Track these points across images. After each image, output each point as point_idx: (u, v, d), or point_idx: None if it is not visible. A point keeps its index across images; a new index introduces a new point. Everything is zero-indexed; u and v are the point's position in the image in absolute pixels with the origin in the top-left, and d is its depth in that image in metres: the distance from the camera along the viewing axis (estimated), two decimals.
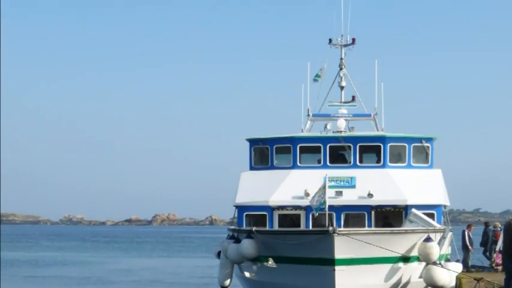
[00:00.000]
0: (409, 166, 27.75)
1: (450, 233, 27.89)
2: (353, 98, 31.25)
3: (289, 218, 27.16)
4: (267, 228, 26.40)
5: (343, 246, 21.83)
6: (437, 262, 23.53)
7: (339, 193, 26.14)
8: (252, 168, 28.79)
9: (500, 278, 24.10)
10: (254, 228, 24.39)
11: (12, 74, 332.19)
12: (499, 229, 34.07)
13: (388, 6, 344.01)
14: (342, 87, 31.28)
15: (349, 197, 26.26)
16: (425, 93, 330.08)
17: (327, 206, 23.64)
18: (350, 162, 27.55)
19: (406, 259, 23.54)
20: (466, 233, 34.50)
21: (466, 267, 31.90)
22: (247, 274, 25.54)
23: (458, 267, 25.58)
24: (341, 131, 28.26)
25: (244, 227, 26.34)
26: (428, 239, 23.28)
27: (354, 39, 31.56)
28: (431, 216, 25.63)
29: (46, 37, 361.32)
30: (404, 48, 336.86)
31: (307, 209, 25.98)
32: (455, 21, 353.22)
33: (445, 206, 27.73)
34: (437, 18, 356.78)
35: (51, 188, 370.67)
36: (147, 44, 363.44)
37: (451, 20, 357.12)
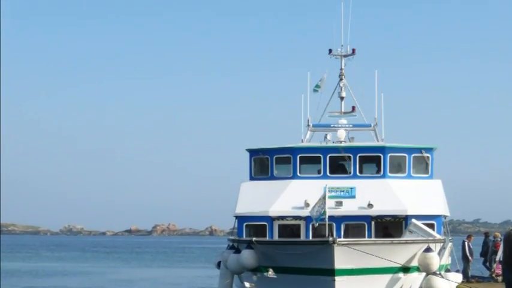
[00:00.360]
0: (409, 176, 27.75)
1: (450, 243, 27.89)
2: (353, 108, 31.28)
3: (289, 228, 27.12)
4: (267, 238, 26.38)
5: (343, 257, 21.81)
6: (438, 272, 23.50)
7: (339, 203, 26.11)
8: (252, 178, 28.79)
9: None
10: (254, 239, 24.36)
11: (13, 85, 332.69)
12: (499, 239, 34.10)
13: (388, 17, 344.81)
14: (342, 98, 31.30)
15: (349, 208, 26.25)
16: (426, 103, 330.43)
17: (327, 217, 23.62)
18: (350, 173, 27.55)
19: (406, 269, 23.51)
20: (466, 243, 34.53)
21: (466, 278, 31.92)
22: (247, 284, 25.48)
23: (458, 277, 25.60)
24: (341, 142, 28.29)
25: (244, 237, 26.30)
26: (428, 249, 23.26)
27: (354, 50, 31.61)
28: (431, 226, 25.61)
29: (45, 48, 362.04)
30: (405, 59, 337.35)
31: (307, 219, 25.95)
32: (456, 32, 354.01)
33: (445, 217, 27.72)
34: (437, 28, 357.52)
35: (51, 198, 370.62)
36: (147, 55, 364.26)
37: (451, 30, 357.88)
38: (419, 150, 28.11)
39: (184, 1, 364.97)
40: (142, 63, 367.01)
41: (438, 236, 25.29)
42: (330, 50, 31.32)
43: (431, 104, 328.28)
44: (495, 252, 33.53)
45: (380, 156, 27.50)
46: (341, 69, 31.25)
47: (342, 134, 28.55)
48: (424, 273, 23.55)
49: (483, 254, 35.67)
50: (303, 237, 26.49)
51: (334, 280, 22.19)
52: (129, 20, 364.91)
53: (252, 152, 28.84)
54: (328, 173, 27.38)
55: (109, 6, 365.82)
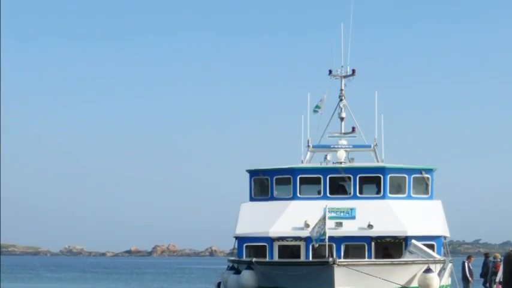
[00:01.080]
0: (409, 197, 27.72)
1: (450, 264, 27.85)
2: (353, 129, 31.26)
3: (289, 249, 27.08)
4: (267, 259, 26.34)
5: (343, 278, 21.77)
6: None
7: (339, 224, 26.09)
8: (252, 199, 28.77)
9: None
10: (254, 259, 24.33)
11: (13, 104, 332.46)
12: (499, 260, 33.97)
13: (388, 38, 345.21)
14: (342, 118, 31.29)
15: (349, 228, 26.22)
16: (425, 124, 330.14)
17: (327, 237, 23.60)
18: (350, 193, 27.54)
19: None
20: (466, 264, 34.43)
21: None
22: None
23: None
24: (341, 162, 28.28)
25: (244, 258, 26.28)
26: (428, 270, 23.23)
27: (354, 70, 31.63)
28: (431, 247, 25.58)
29: (45, 67, 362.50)
30: (404, 79, 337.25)
31: (307, 240, 25.92)
32: (455, 53, 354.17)
33: (445, 237, 27.69)
34: (437, 49, 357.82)
35: (51, 218, 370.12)
36: (146, 75, 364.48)
37: (450, 51, 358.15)
38: (419, 171, 28.09)
39: (183, 21, 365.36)
40: (142, 83, 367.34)
41: (438, 257, 25.26)
42: (330, 71, 31.35)
43: (431, 125, 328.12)
44: (495, 273, 33.38)
45: (380, 177, 27.49)
46: (341, 90, 31.27)
47: (342, 154, 28.56)
48: None
49: (483, 275, 35.52)
50: (303, 258, 26.44)
51: None
52: (128, 41, 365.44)
53: (252, 173, 28.83)
54: (328, 194, 27.37)
55: (109, 26, 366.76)
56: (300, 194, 27.65)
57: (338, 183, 27.92)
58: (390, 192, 27.48)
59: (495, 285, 32.92)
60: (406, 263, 23.66)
